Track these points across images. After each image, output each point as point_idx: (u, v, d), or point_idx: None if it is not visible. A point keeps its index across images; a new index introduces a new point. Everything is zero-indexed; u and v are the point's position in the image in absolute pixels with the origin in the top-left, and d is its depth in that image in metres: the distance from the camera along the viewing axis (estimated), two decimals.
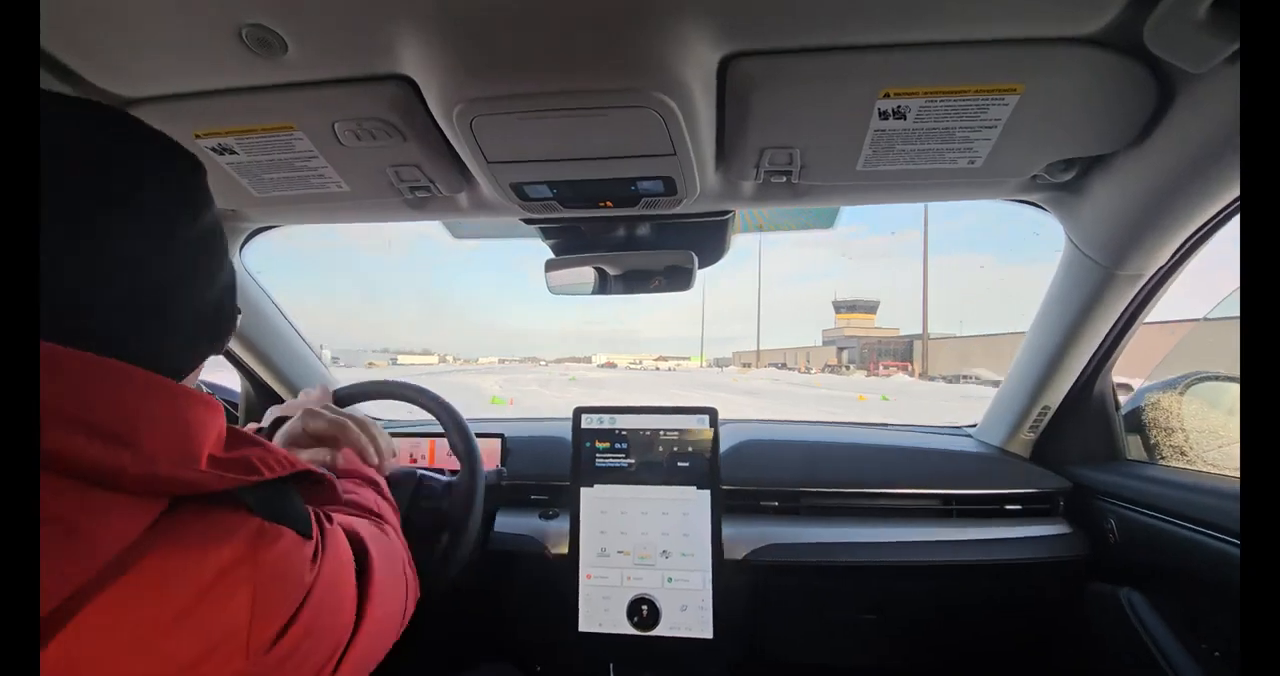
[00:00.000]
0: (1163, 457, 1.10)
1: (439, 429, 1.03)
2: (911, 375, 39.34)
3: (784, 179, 0.83)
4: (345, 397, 1.07)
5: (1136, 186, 0.79)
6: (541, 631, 1.23)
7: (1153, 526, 0.99)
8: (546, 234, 1.06)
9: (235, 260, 1.18)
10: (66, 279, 0.37)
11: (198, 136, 0.78)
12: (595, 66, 0.62)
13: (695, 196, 0.87)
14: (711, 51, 0.62)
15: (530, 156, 0.77)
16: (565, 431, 1.23)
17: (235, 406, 1.49)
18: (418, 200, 0.92)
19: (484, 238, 1.17)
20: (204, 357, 0.50)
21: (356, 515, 0.63)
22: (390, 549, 0.61)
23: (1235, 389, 1.11)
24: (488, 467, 1.09)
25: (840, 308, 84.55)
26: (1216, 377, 1.11)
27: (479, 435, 1.09)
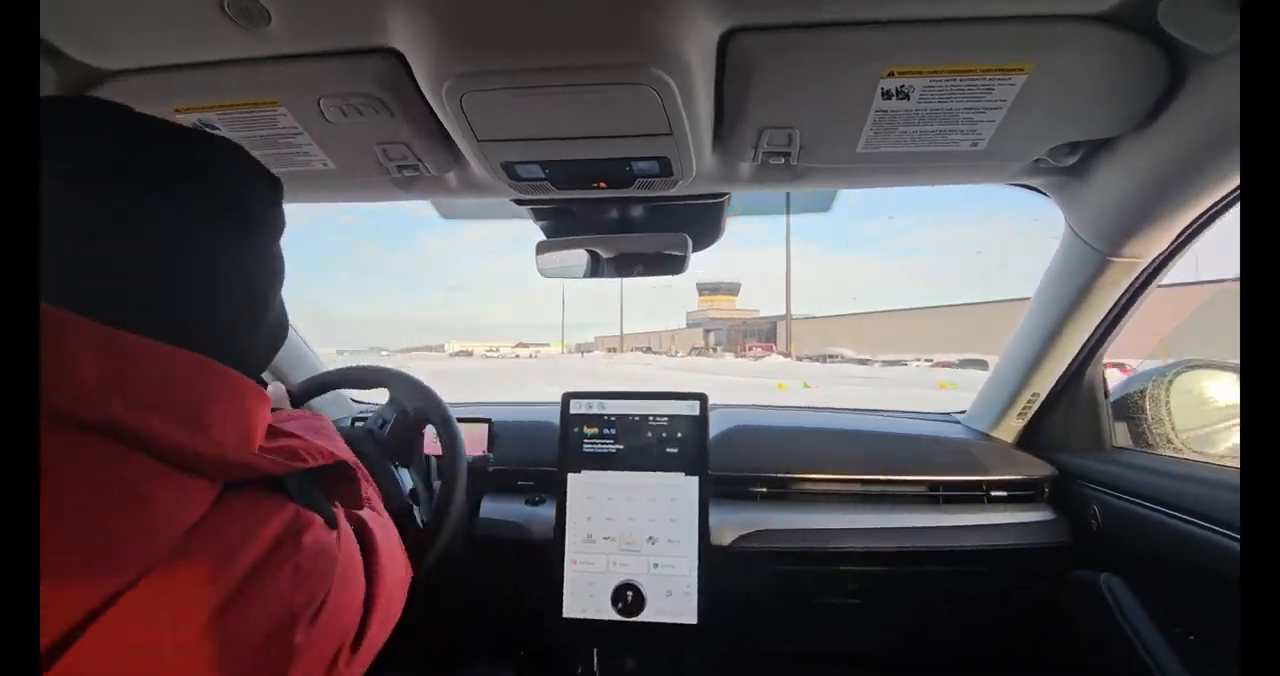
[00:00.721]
0: (1148, 445, 1.11)
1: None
2: (781, 356, 38.13)
3: (782, 160, 0.81)
4: (316, 386, 1.05)
5: (1139, 171, 0.78)
6: (526, 617, 1.22)
7: (1135, 513, 1.00)
8: (538, 215, 1.03)
9: None
10: (196, 289, 0.44)
11: (178, 111, 0.74)
12: (591, 41, 0.59)
13: (691, 178, 0.85)
14: (713, 25, 0.60)
15: (522, 135, 0.74)
16: (553, 416, 1.22)
17: None
18: (405, 179, 0.89)
19: (474, 218, 1.14)
20: (268, 363, 0.55)
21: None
22: (388, 532, 0.63)
23: (1223, 376, 1.12)
24: (474, 453, 1.07)
25: (704, 289, 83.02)
26: (1205, 366, 1.12)
27: (465, 419, 1.08)
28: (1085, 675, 1.12)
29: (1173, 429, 1.08)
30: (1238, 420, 1.12)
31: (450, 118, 0.71)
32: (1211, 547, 0.83)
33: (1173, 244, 0.89)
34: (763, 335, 59.69)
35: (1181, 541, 0.89)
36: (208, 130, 0.77)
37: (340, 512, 0.51)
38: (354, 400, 1.61)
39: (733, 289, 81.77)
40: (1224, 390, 1.13)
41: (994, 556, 1.14)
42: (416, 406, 0.98)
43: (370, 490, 0.72)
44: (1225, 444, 1.09)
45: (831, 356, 36.35)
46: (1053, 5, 0.58)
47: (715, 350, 58.04)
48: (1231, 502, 0.83)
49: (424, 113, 0.73)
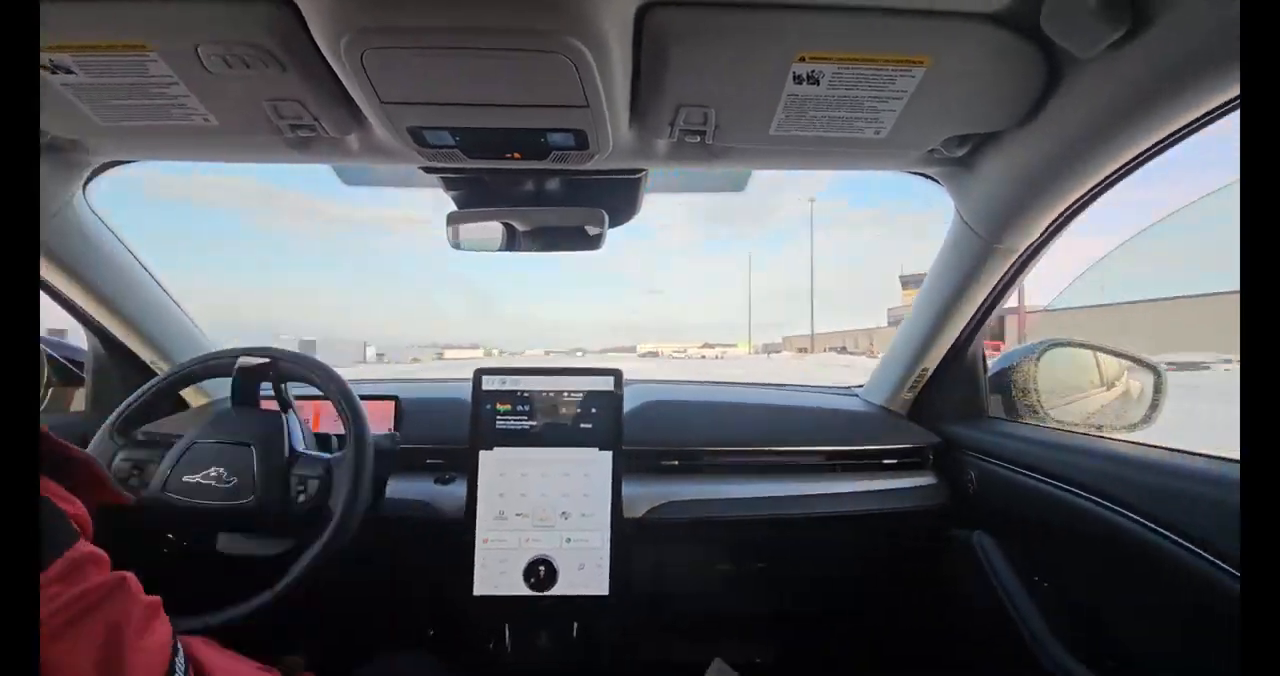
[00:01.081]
0: (1019, 415, 1.22)
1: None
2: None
3: (698, 139, 0.81)
4: (124, 419, 0.99)
5: (1019, 165, 0.85)
6: (436, 596, 1.20)
7: (1004, 476, 1.10)
8: (449, 184, 0.98)
9: (78, 198, 1.01)
10: None
11: None
12: (504, 3, 0.57)
13: (608, 152, 0.84)
14: None
15: (430, 98, 0.70)
16: (464, 393, 1.19)
17: (80, 366, 1.31)
18: (300, 140, 0.82)
19: (380, 186, 1.07)
20: None
21: None
22: None
23: (1082, 353, 1.26)
24: (380, 431, 1.03)
25: (908, 283, 75.68)
26: (1066, 343, 1.24)
27: (370, 397, 1.03)
28: (960, 621, 1.24)
29: (1038, 400, 1.20)
30: (1091, 391, 1.26)
31: (350, 76, 0.66)
32: (1066, 506, 0.93)
33: (1043, 234, 0.97)
34: (991, 332, 56.80)
35: (1041, 501, 0.99)
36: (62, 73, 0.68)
37: None
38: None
39: None
40: (1081, 365, 1.27)
41: (884, 519, 1.23)
42: (318, 385, 0.94)
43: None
44: (1082, 412, 1.22)
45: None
46: (949, 2, 0.61)
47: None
48: (1078, 464, 0.94)
49: (321, 69, 0.67)
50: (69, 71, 0.68)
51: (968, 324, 1.19)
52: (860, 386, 1.51)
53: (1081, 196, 0.87)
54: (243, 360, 0.99)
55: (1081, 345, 1.25)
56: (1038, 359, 1.21)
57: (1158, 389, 1.14)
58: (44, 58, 0.66)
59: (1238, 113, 0.63)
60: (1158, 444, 0.88)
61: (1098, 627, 0.91)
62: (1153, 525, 0.76)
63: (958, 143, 0.86)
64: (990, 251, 1.01)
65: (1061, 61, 0.67)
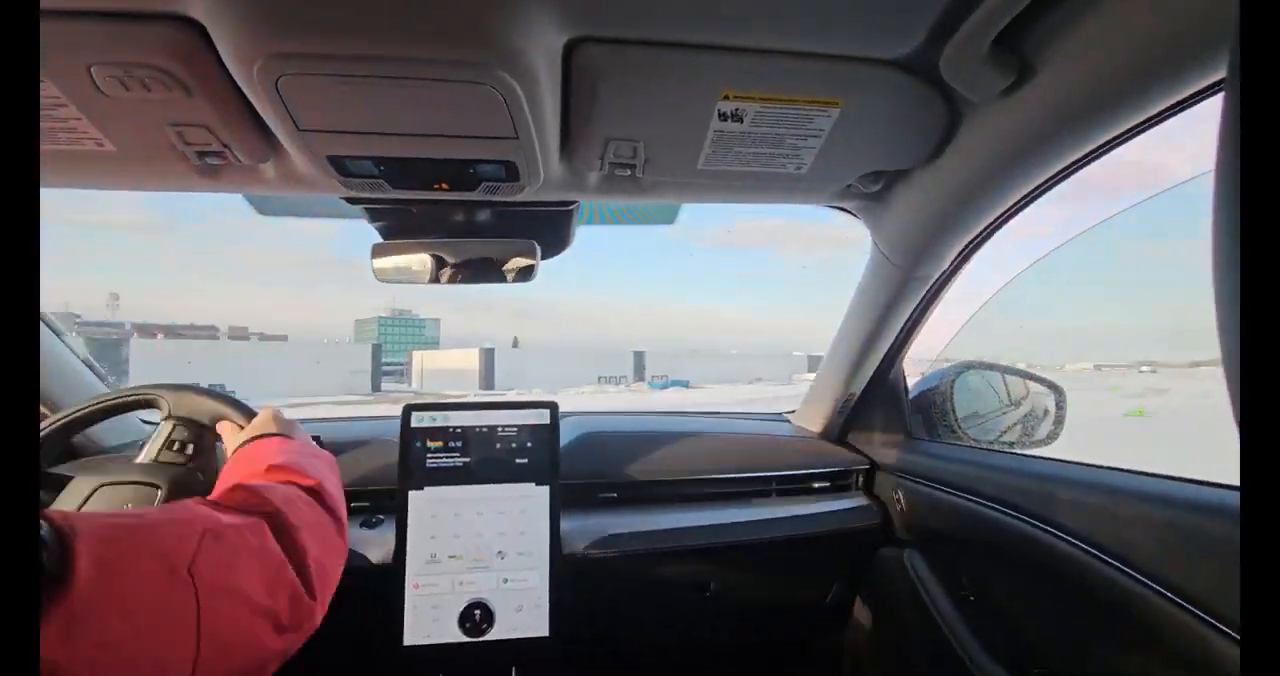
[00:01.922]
0: (938, 435, 1.28)
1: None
2: None
3: (628, 172, 0.83)
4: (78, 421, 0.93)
5: (928, 199, 0.90)
6: (363, 650, 1.12)
7: (928, 495, 1.15)
8: (373, 215, 0.96)
9: None
10: None
11: None
12: (429, 33, 0.55)
13: (539, 184, 0.84)
14: (556, 33, 0.60)
15: (352, 127, 0.68)
16: (391, 431, 1.14)
17: None
18: (209, 168, 0.78)
19: (297, 216, 1.03)
20: None
21: None
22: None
23: (991, 375, 1.34)
24: None
25: None
26: (979, 366, 1.32)
27: None
28: (896, 639, 1.26)
29: (955, 420, 1.26)
30: (1001, 410, 1.34)
31: (264, 102, 0.62)
32: (983, 520, 0.98)
33: (953, 262, 1.04)
34: None
35: (962, 517, 1.04)
36: None
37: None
38: (143, 421, 1.39)
39: None
40: (991, 385, 1.35)
41: (819, 541, 1.25)
42: (211, 414, 0.90)
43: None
44: (992, 431, 1.29)
45: None
46: (859, 48, 0.65)
47: None
48: (994, 480, 0.99)
49: (231, 93, 0.63)
50: None
51: (890, 349, 1.24)
52: (792, 412, 1.54)
53: (986, 226, 0.93)
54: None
55: (991, 367, 1.33)
56: (954, 381, 1.28)
57: (1059, 406, 1.22)
58: None
59: (1119, 148, 0.70)
60: (1068, 459, 0.93)
61: (1024, 638, 0.95)
62: (1070, 538, 0.80)
63: (872, 179, 0.91)
64: (906, 279, 1.07)
65: (960, 105, 0.73)
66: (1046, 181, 0.80)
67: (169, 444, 0.94)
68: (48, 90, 0.63)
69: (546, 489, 1.10)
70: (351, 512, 1.14)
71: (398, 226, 0.98)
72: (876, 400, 1.35)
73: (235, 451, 0.83)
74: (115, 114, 0.67)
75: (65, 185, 0.87)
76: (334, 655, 1.16)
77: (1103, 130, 0.67)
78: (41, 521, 0.37)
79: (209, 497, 0.62)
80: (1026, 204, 0.87)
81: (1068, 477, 0.87)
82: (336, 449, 1.18)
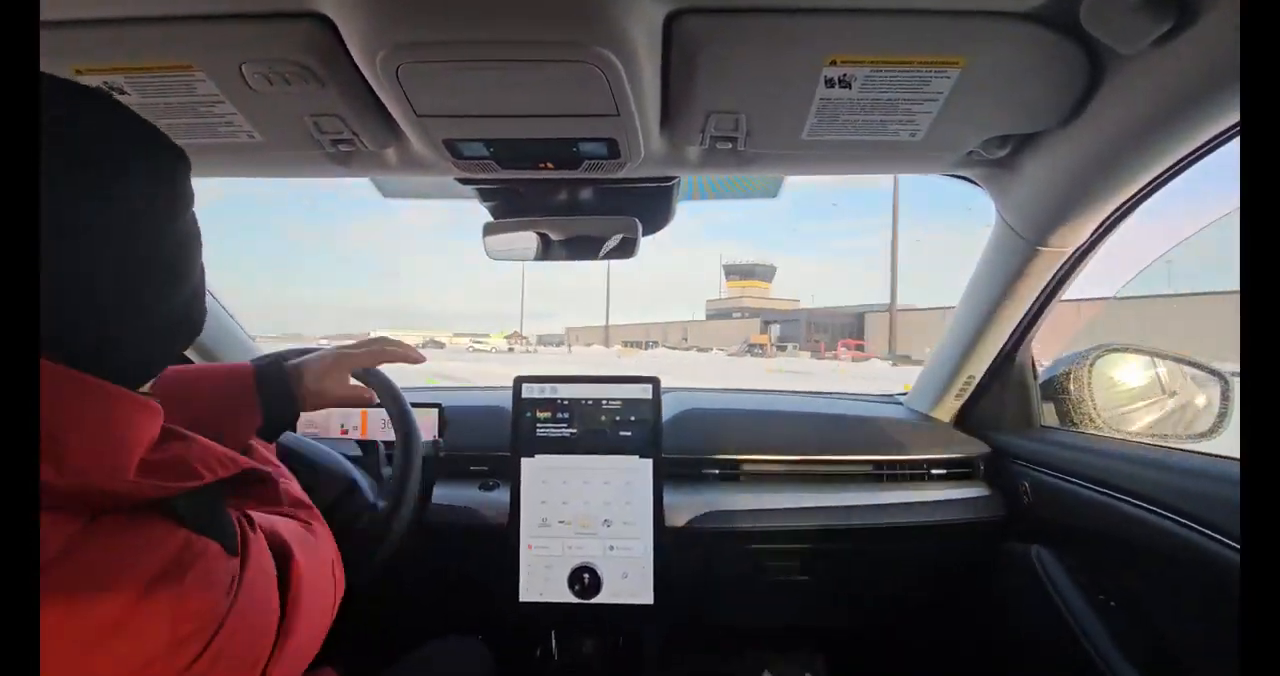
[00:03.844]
0: (1073, 424, 1.17)
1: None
2: (882, 359, 28.81)
3: (729, 145, 0.82)
4: None
5: (1063, 165, 0.82)
6: (482, 603, 1.22)
7: (1061, 487, 1.06)
8: (484, 196, 1.01)
9: None
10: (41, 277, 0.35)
11: (79, 72, 0.69)
12: (533, 15, 0.58)
13: (639, 161, 0.85)
14: (657, 6, 0.60)
15: (464, 111, 0.73)
16: (505, 401, 1.21)
17: None
18: (341, 154, 0.86)
19: (418, 197, 1.11)
20: (169, 362, 0.49)
21: (284, 512, 0.60)
22: (316, 551, 0.57)
23: (1138, 358, 1.20)
24: (424, 439, 1.05)
25: (734, 273, 66.65)
26: (1122, 349, 1.19)
27: (415, 404, 1.06)
28: (1018, 641, 1.18)
29: (1094, 408, 1.15)
30: (1151, 399, 1.20)
31: (386, 90, 0.68)
32: (1129, 519, 0.89)
33: (1092, 235, 0.94)
34: (850, 331, 45.98)
35: (1104, 514, 0.95)
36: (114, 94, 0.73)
37: (256, 537, 0.46)
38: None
39: (767, 274, 66.84)
40: (1138, 371, 1.21)
41: (933, 531, 1.19)
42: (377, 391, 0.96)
43: (295, 490, 0.67)
44: (1140, 422, 1.16)
45: None
46: (983, 2, 0.60)
47: (781, 348, 43.28)
48: (1144, 476, 0.89)
49: (358, 84, 0.70)
50: (123, 92, 0.72)
51: (1015, 329, 1.15)
52: (904, 394, 1.47)
53: (1132, 196, 0.84)
54: None
55: (1138, 350, 1.19)
56: (1091, 365, 1.16)
57: (1225, 397, 1.07)
58: (99, 80, 0.70)
59: None
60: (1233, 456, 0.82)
61: (1174, 655, 0.85)
62: (1235, 543, 0.71)
63: (997, 144, 0.84)
64: (1035, 253, 0.98)
65: (1104, 58, 0.65)
66: (1208, 143, 0.70)
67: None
68: (206, 88, 0.72)
69: (649, 462, 1.13)
70: (470, 476, 1.25)
71: (507, 206, 1.03)
72: (1001, 383, 1.25)
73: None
74: (263, 107, 0.75)
75: (225, 174, 0.99)
76: (462, 606, 1.27)
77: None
78: (276, 540, 0.49)
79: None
80: (1182, 169, 0.76)
81: (1233, 476, 0.76)
82: (456, 416, 1.27)
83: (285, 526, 0.53)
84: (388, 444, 0.97)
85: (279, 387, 0.74)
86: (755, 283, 66.29)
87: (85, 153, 0.38)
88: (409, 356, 0.85)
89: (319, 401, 0.78)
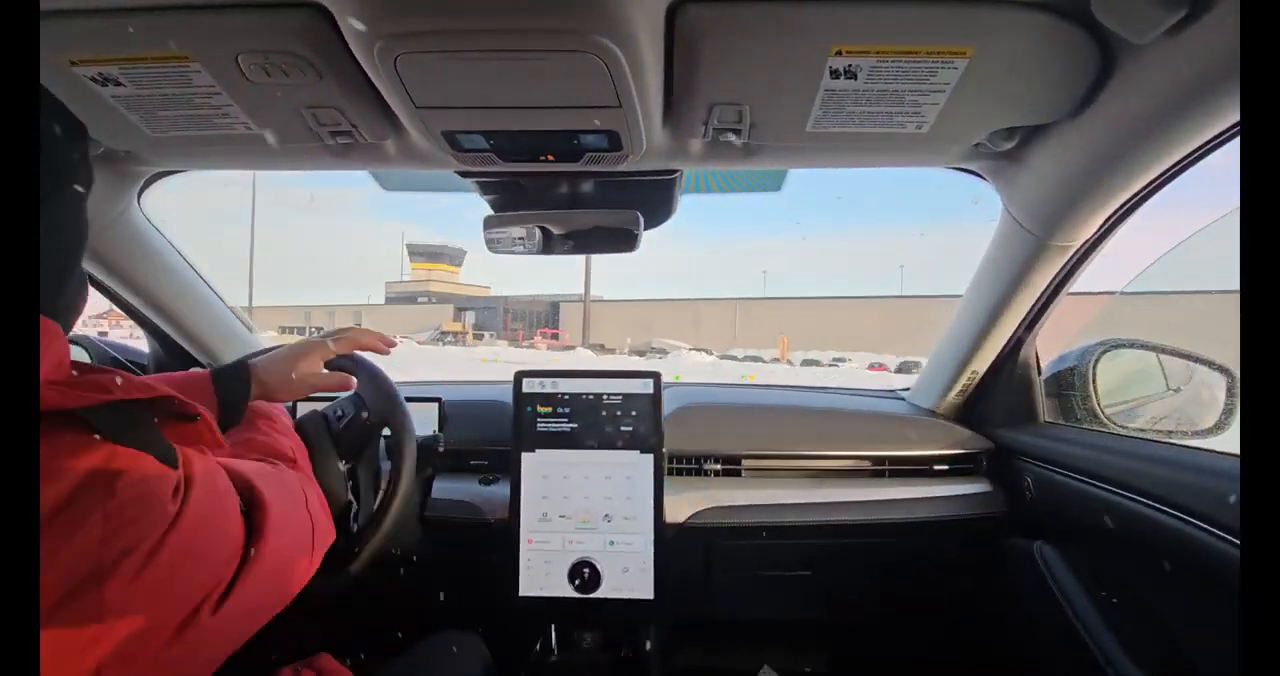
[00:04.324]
0: (1077, 420, 1.17)
1: None
2: (589, 349, 28.78)
3: (733, 138, 0.81)
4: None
5: (1072, 158, 0.81)
6: (481, 598, 1.22)
7: (1063, 484, 1.05)
8: (484, 188, 1.01)
9: (133, 208, 1.07)
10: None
11: (74, 64, 0.68)
12: (533, 5, 0.57)
13: (641, 153, 0.84)
14: None
15: (464, 102, 0.72)
16: (505, 395, 1.21)
17: (144, 369, 1.39)
18: (340, 147, 0.85)
19: (416, 190, 1.11)
20: (78, 318, 0.51)
21: (249, 457, 0.64)
22: (284, 485, 0.60)
23: (1143, 355, 1.19)
24: (423, 433, 1.05)
25: (419, 254, 59.24)
26: (1127, 345, 1.18)
27: (414, 399, 1.06)
28: (1021, 638, 1.18)
29: (1098, 404, 1.14)
30: (1155, 395, 1.19)
31: (385, 81, 0.67)
32: (1132, 515, 0.88)
33: (1100, 229, 0.93)
34: (544, 319, 44.88)
35: (1106, 510, 0.94)
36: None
37: (205, 460, 0.48)
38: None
39: (457, 257, 60.07)
40: (1143, 367, 1.20)
41: (936, 527, 1.19)
42: (376, 407, 0.94)
43: (286, 443, 0.72)
44: (1144, 417, 1.15)
45: (657, 350, 27.92)
46: None
47: (472, 336, 39.62)
48: (1148, 472, 0.88)
49: (356, 75, 0.69)
50: (118, 84, 0.71)
51: (1019, 324, 1.14)
52: (906, 390, 1.46)
53: (1141, 189, 0.83)
54: None
55: (1143, 346, 1.18)
56: (1095, 361, 1.15)
57: (1231, 392, 1.06)
58: (94, 71, 0.69)
59: None
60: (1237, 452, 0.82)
61: (1176, 650, 0.85)
62: (1237, 540, 0.70)
63: (1005, 136, 0.83)
64: (1042, 248, 0.97)
65: (1115, 48, 0.64)
66: (1219, 135, 0.69)
67: (335, 412, 0.95)
68: (202, 80, 0.71)
69: (650, 457, 1.12)
70: (471, 470, 1.24)
71: (507, 199, 1.02)
72: (1004, 379, 1.25)
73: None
74: (260, 99, 0.75)
75: (221, 167, 0.98)
76: (461, 600, 1.27)
77: None
78: (237, 474, 0.53)
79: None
80: (1193, 162, 0.75)
81: (1238, 473, 0.76)
82: (456, 410, 1.27)
83: (249, 465, 0.57)
84: (386, 437, 0.97)
85: (234, 384, 0.78)
86: (443, 266, 59.88)
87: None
88: (376, 345, 0.90)
89: (292, 391, 0.83)
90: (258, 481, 0.54)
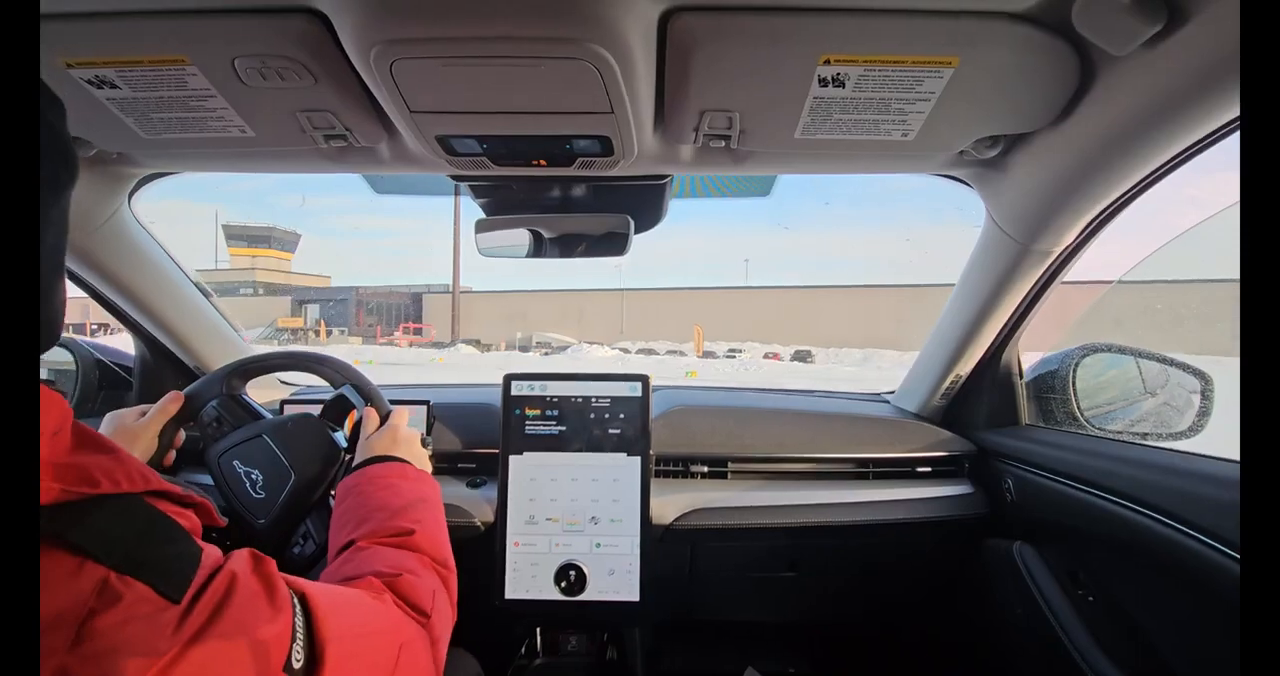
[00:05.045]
0: (1057, 423, 1.19)
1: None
2: (469, 344, 24.75)
3: (723, 144, 0.82)
4: (256, 369, 1.00)
5: (1053, 165, 0.83)
6: (467, 600, 1.22)
7: (1043, 485, 1.07)
8: (477, 192, 1.01)
9: (124, 209, 1.06)
10: None
11: (70, 66, 0.68)
12: (528, 12, 0.58)
13: (633, 158, 0.85)
14: (652, 4, 0.60)
15: (458, 107, 0.72)
16: (494, 398, 1.21)
17: (129, 371, 1.37)
18: (334, 150, 0.85)
19: (408, 193, 1.10)
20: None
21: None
22: (370, 623, 0.48)
23: (1122, 359, 1.22)
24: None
25: (238, 238, 48.91)
26: (1106, 349, 1.20)
27: (403, 401, 1.05)
28: (1001, 637, 1.20)
29: (1078, 407, 1.16)
30: (1133, 398, 1.22)
31: (380, 86, 0.68)
32: (1109, 516, 0.90)
33: (1080, 236, 0.95)
34: (404, 313, 38.76)
35: (1084, 511, 0.96)
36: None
37: (247, 583, 0.38)
38: (281, 381, 1.55)
39: (289, 242, 50.49)
40: (1121, 370, 1.23)
41: (918, 528, 1.21)
42: (352, 389, 0.95)
43: (415, 593, 0.58)
44: (1122, 420, 1.18)
45: (542, 344, 25.95)
46: (977, 2, 0.61)
47: (327, 333, 32.57)
48: (1123, 474, 0.90)
49: (352, 80, 0.70)
50: (114, 86, 0.71)
51: (1002, 329, 1.16)
52: (891, 393, 1.48)
53: (1120, 197, 0.85)
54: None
55: (1122, 350, 1.21)
56: (1075, 365, 1.18)
57: (1206, 396, 1.09)
58: (89, 73, 0.69)
59: None
60: (1210, 454, 0.84)
61: (1150, 647, 0.87)
62: (1211, 541, 0.72)
63: (988, 144, 0.85)
64: (1025, 254, 0.99)
65: (1095, 59, 0.66)
66: (1196, 144, 0.71)
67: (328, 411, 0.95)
68: (198, 82, 0.71)
69: (638, 460, 1.13)
70: (458, 473, 1.24)
71: (499, 203, 1.02)
72: (987, 383, 1.27)
73: (367, 467, 0.80)
74: (255, 102, 0.75)
75: (214, 169, 0.98)
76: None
77: None
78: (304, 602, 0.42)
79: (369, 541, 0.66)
80: (1169, 170, 0.77)
81: (1210, 474, 0.78)
82: (444, 413, 1.27)
83: (320, 587, 0.45)
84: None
85: None
86: (270, 252, 49.58)
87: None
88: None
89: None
90: (324, 611, 0.42)
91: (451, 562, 0.72)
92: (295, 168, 0.94)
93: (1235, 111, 0.63)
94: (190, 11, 0.62)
